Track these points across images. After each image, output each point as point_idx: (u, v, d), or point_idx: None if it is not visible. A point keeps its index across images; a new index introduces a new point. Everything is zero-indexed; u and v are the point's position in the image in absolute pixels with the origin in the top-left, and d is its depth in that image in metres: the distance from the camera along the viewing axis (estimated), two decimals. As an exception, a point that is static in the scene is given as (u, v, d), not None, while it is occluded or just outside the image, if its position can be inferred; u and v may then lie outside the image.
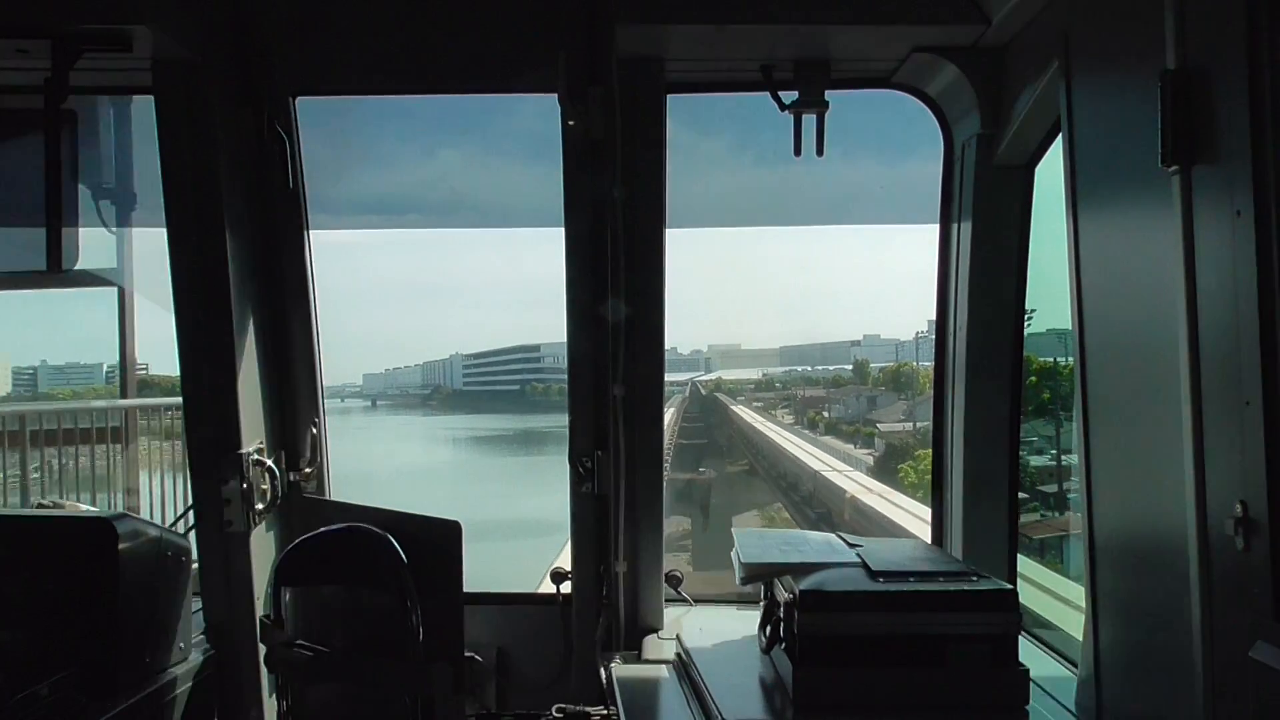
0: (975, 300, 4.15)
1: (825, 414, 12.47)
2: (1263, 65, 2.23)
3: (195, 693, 4.01)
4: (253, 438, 4.35)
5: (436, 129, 5.77)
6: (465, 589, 3.51)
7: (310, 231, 4.52)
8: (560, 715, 4.14)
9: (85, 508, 4.10)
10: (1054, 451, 6.68)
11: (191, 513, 4.33)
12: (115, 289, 7.39)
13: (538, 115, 4.58)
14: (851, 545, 3.62)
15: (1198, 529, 2.44)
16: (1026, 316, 4.29)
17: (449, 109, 5.22)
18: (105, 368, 10.49)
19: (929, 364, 4.67)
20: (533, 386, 11.73)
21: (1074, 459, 3.82)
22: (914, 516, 8.36)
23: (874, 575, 3.27)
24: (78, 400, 10.06)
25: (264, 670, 4.21)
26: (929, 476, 4.64)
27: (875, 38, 3.96)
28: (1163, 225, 2.55)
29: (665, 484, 4.44)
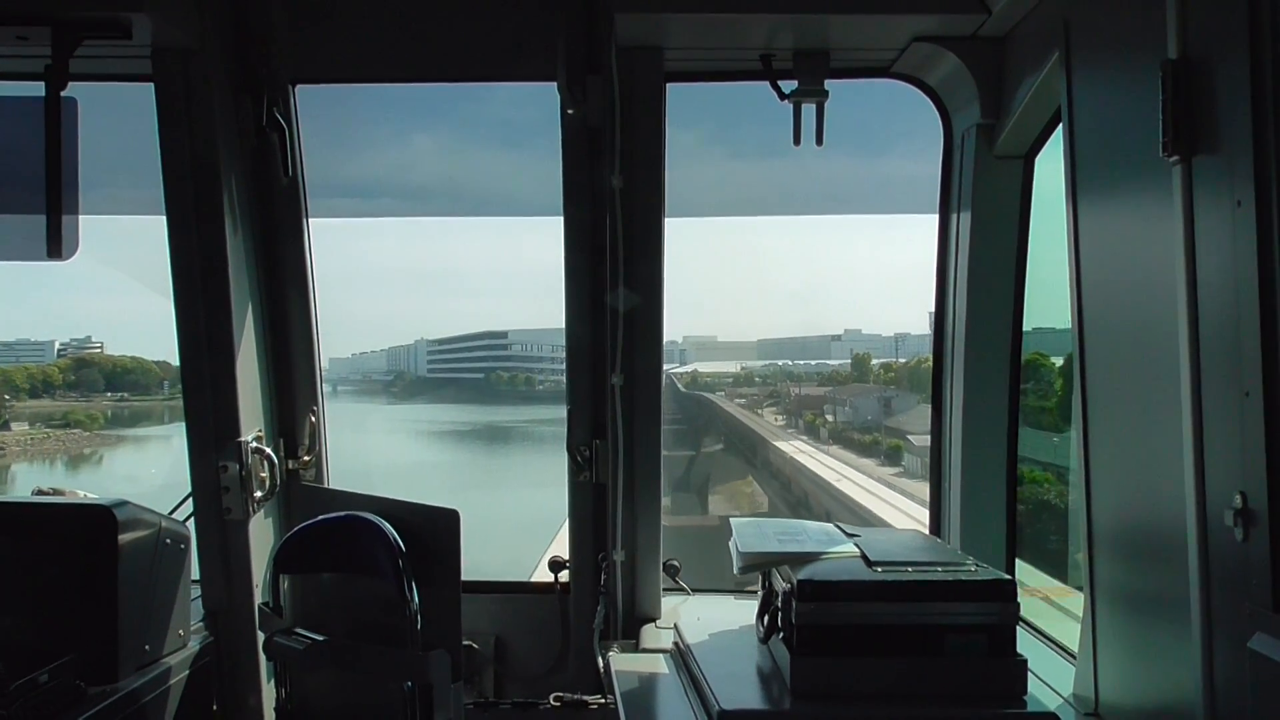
0: (974, 291, 4.15)
1: (828, 417, 11.64)
2: (1264, 54, 2.22)
3: (194, 680, 4.02)
4: (251, 425, 4.36)
5: (430, 117, 5.78)
6: (463, 577, 3.52)
7: (309, 219, 4.52)
8: (558, 704, 4.17)
9: (84, 494, 4.09)
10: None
11: (190, 500, 4.33)
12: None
13: (529, 103, 4.59)
14: (849, 535, 3.62)
15: (1197, 519, 2.45)
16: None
17: (442, 96, 5.23)
18: (57, 345, 10.43)
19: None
20: (497, 375, 11.38)
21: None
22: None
23: (872, 565, 3.27)
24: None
25: (262, 657, 4.22)
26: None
27: (875, 27, 3.95)
28: (1163, 216, 2.55)
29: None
